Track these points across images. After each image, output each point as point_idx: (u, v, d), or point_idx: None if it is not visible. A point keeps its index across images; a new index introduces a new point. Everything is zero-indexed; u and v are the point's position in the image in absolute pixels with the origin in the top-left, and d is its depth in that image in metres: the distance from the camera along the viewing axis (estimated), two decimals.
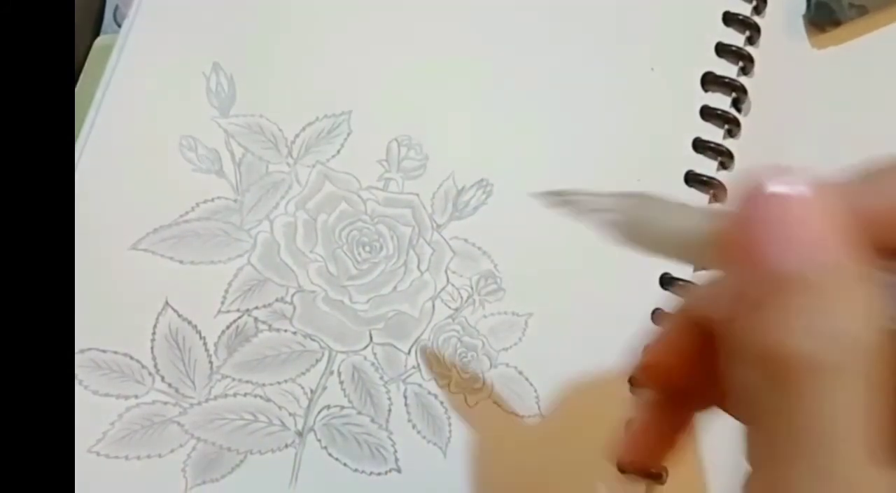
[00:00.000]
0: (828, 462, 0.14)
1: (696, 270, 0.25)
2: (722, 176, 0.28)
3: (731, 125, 0.28)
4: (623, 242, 0.17)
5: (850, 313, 0.14)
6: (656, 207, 0.17)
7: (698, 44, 0.29)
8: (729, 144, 0.28)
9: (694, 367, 0.18)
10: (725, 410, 0.18)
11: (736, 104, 0.29)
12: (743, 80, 0.29)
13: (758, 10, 0.30)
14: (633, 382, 0.24)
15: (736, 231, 0.15)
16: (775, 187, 0.14)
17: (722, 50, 0.29)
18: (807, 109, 0.30)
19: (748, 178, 0.14)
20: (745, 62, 0.29)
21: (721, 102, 0.29)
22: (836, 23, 0.31)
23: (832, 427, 0.14)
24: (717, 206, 0.16)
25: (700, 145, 0.28)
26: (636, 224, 0.17)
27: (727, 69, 0.29)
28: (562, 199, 0.19)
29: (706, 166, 0.28)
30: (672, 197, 0.17)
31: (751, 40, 0.29)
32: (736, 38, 0.29)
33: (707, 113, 0.28)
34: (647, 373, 0.20)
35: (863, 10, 0.30)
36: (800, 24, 0.31)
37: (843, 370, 0.13)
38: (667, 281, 0.27)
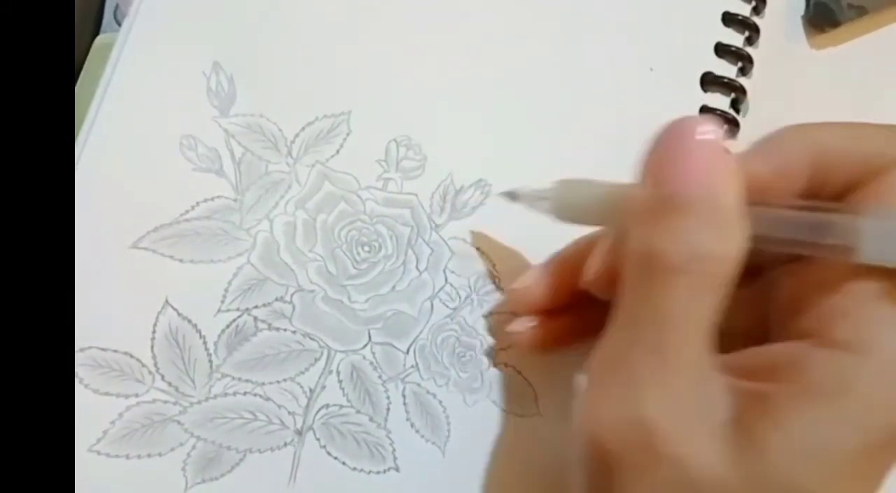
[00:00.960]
0: (659, 338, 0.17)
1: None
2: None
3: (730, 125, 0.28)
4: (562, 221, 0.22)
5: (713, 234, 0.17)
6: (578, 188, 0.22)
7: (697, 44, 0.29)
8: (728, 144, 0.28)
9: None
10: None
11: (735, 104, 0.29)
12: (742, 80, 0.29)
13: (757, 10, 0.30)
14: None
15: (651, 156, 0.18)
16: (685, 126, 0.18)
17: (721, 50, 0.29)
18: (806, 110, 0.30)
19: (675, 121, 0.18)
20: (745, 63, 0.29)
21: (720, 102, 0.29)
22: (835, 23, 0.31)
23: (671, 314, 0.17)
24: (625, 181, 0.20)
25: None
26: (565, 204, 0.22)
27: (726, 69, 0.29)
28: (513, 194, 0.23)
29: None
30: (588, 179, 0.21)
31: (750, 41, 0.29)
32: (735, 39, 0.29)
33: (706, 113, 0.28)
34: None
35: (862, 11, 0.30)
36: (799, 24, 0.31)
37: (693, 275, 0.17)
38: None
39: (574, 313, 0.23)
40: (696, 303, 0.17)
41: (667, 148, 0.18)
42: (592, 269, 0.21)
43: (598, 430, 0.18)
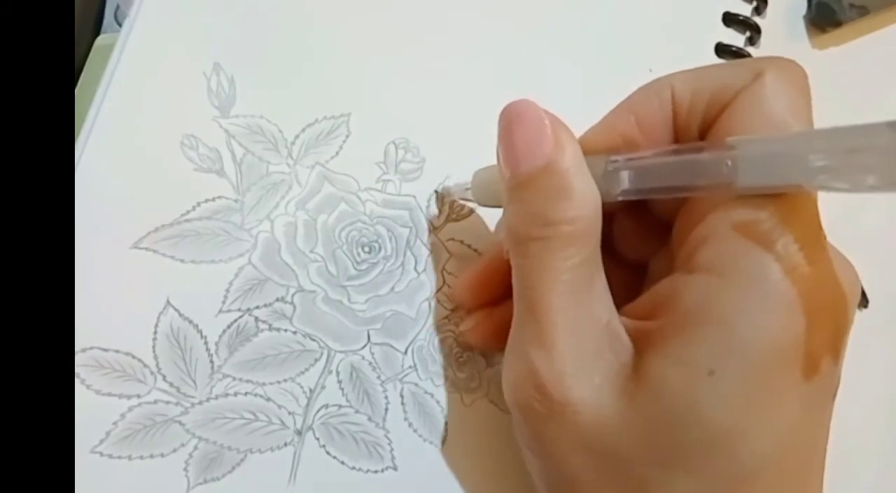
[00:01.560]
0: (531, 303, 0.19)
1: None
2: None
3: None
4: (484, 206, 0.24)
5: (556, 199, 0.19)
6: (487, 172, 0.23)
7: (698, 44, 0.29)
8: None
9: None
10: None
11: None
12: None
13: (758, 10, 0.30)
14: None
15: (497, 144, 0.20)
16: (509, 110, 0.20)
17: (722, 50, 0.29)
18: None
19: (504, 108, 0.20)
20: None
21: None
22: (837, 23, 0.31)
23: (535, 278, 0.19)
24: None
25: None
26: (480, 190, 0.24)
27: None
28: (446, 190, 0.26)
29: None
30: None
31: (751, 41, 0.29)
32: (736, 39, 0.29)
33: None
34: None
35: (863, 11, 0.30)
36: (800, 24, 0.31)
37: (546, 240, 0.19)
38: None
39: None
40: (556, 264, 0.19)
41: (502, 133, 0.20)
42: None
43: (508, 392, 0.20)
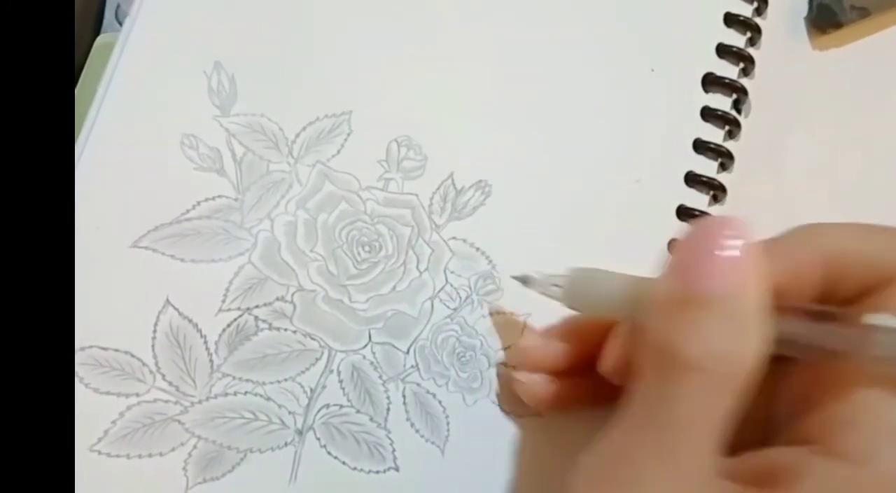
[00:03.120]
0: (668, 440, 0.17)
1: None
2: (722, 177, 0.28)
3: (732, 126, 0.28)
4: (573, 309, 0.23)
5: (732, 333, 0.17)
6: (591, 277, 0.22)
7: (699, 45, 0.29)
8: (729, 145, 0.28)
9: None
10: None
11: (737, 105, 0.29)
12: (744, 81, 0.29)
13: (759, 11, 0.30)
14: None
15: (678, 253, 0.18)
16: (715, 226, 0.18)
17: (723, 51, 0.29)
18: (808, 111, 0.31)
19: (705, 221, 0.18)
20: (746, 63, 0.29)
21: (722, 103, 0.29)
22: (838, 24, 0.31)
23: (683, 414, 0.17)
24: (637, 274, 0.21)
25: (700, 146, 0.28)
26: (577, 293, 0.22)
27: (728, 70, 0.29)
28: (525, 279, 0.24)
29: (706, 167, 0.28)
30: (603, 269, 0.21)
31: (752, 41, 0.29)
32: (737, 40, 0.29)
33: (708, 114, 0.28)
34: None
35: (864, 12, 0.30)
36: (801, 25, 0.31)
37: (708, 374, 0.17)
38: None
39: (579, 379, 0.23)
40: (709, 404, 0.17)
41: (695, 245, 0.18)
42: (609, 358, 0.21)
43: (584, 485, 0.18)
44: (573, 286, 0.22)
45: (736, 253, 0.17)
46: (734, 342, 0.17)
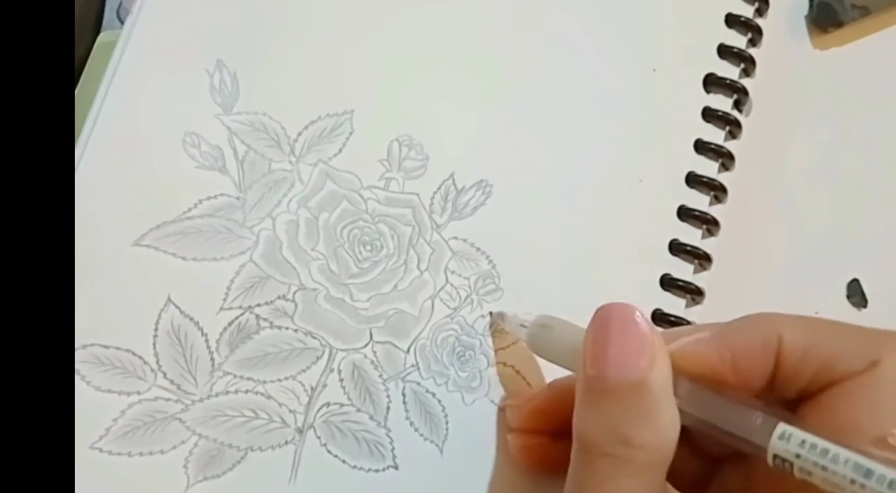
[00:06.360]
0: None
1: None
2: (723, 177, 0.28)
3: (733, 127, 0.29)
4: (535, 354, 0.24)
5: (637, 420, 0.18)
6: (553, 327, 0.22)
7: (700, 45, 0.29)
8: (730, 145, 0.28)
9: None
10: None
11: (737, 106, 0.29)
12: (745, 81, 0.29)
13: (760, 11, 0.30)
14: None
15: (587, 337, 0.19)
16: (613, 312, 0.19)
17: (724, 52, 0.29)
18: (809, 111, 0.31)
19: (604, 306, 0.19)
20: (747, 64, 0.29)
21: (723, 103, 0.29)
22: (839, 24, 0.31)
23: None
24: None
25: (701, 147, 0.28)
26: (538, 340, 0.23)
27: (729, 71, 0.29)
28: (501, 315, 0.25)
29: (707, 168, 0.28)
30: (567, 321, 0.22)
31: (753, 42, 0.29)
32: (738, 40, 0.29)
33: (709, 114, 0.28)
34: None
35: (865, 12, 0.30)
36: (802, 25, 0.31)
37: (617, 459, 0.18)
38: (667, 282, 0.27)
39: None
40: (622, 487, 0.18)
41: (597, 331, 0.19)
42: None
43: None
44: (535, 334, 0.23)
45: (634, 339, 0.18)
46: (638, 429, 0.18)
